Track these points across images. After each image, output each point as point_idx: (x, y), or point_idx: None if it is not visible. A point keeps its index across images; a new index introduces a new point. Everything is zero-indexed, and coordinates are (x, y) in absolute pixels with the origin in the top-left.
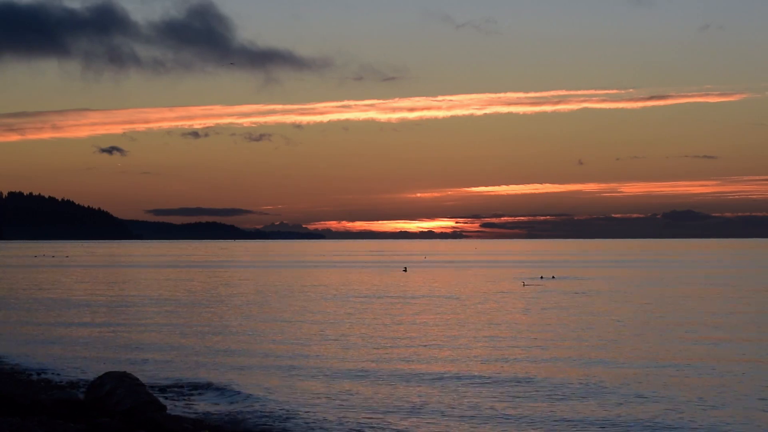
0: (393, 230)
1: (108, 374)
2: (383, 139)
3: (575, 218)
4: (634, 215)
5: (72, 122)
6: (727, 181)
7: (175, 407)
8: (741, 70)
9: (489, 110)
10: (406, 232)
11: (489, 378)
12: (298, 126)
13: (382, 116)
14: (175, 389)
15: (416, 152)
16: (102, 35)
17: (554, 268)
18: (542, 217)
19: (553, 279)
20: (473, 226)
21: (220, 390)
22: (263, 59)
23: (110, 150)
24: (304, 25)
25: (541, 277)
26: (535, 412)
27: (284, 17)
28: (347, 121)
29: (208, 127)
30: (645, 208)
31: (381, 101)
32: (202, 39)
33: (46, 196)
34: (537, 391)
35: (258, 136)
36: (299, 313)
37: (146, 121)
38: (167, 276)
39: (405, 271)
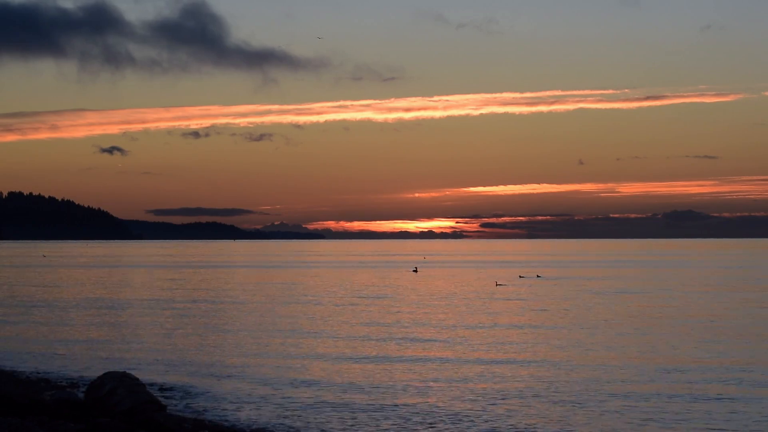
0: (392, 230)
1: (108, 374)
2: (381, 139)
3: (575, 218)
4: (634, 215)
5: (69, 122)
6: (726, 181)
7: (175, 407)
8: (735, 70)
9: (485, 110)
10: (405, 232)
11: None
12: (298, 126)
13: (379, 116)
14: (175, 389)
15: (414, 152)
16: (96, 35)
17: (550, 268)
18: (542, 217)
19: (539, 278)
20: (473, 226)
21: (220, 390)
22: (259, 59)
23: (111, 150)
24: (298, 25)
25: (521, 277)
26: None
27: (277, 16)
28: (344, 121)
29: (208, 127)
30: (645, 208)
31: (377, 101)
32: (196, 39)
33: (46, 196)
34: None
35: (258, 136)
36: (302, 313)
37: (143, 122)
38: (167, 276)
39: (415, 271)
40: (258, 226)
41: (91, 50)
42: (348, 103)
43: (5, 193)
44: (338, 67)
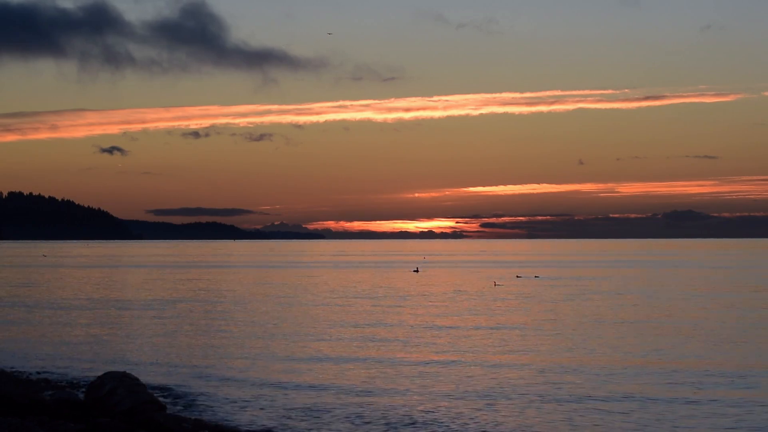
0: (392, 230)
1: (108, 374)
2: (381, 139)
3: (575, 218)
4: (634, 215)
5: (69, 122)
6: (726, 181)
7: (175, 407)
8: (735, 70)
9: (485, 110)
10: (405, 232)
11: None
12: (298, 126)
13: (378, 116)
14: (175, 389)
15: (414, 152)
16: (96, 35)
17: (549, 268)
18: (542, 217)
19: (537, 278)
20: (473, 226)
21: (221, 390)
22: (258, 59)
23: (111, 150)
24: (297, 25)
25: (518, 276)
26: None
27: (277, 16)
28: (344, 121)
29: (208, 127)
30: (645, 208)
31: (377, 101)
32: (196, 39)
33: (46, 196)
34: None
35: (258, 136)
36: (303, 314)
37: (143, 122)
38: (167, 276)
39: (416, 271)
40: (258, 226)
41: (90, 50)
42: (348, 103)
43: (5, 193)
44: (338, 67)
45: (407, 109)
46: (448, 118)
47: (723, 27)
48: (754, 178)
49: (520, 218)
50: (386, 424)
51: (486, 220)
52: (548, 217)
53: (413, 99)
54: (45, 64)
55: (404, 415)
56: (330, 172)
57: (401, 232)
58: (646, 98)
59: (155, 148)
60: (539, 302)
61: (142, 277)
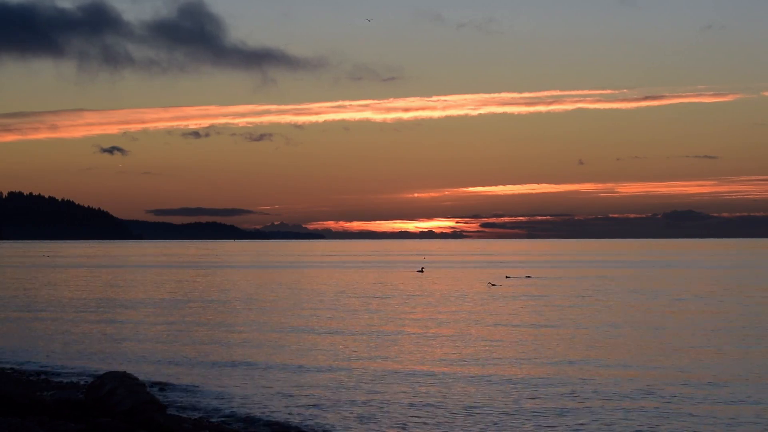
0: (392, 230)
1: (108, 374)
2: (381, 139)
3: (575, 218)
4: (634, 215)
5: (68, 122)
6: (726, 181)
7: (175, 407)
8: (735, 70)
9: (484, 110)
10: (405, 232)
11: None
12: (297, 126)
13: (378, 116)
14: (175, 389)
15: (414, 152)
16: (95, 35)
17: (544, 268)
18: (542, 217)
19: (528, 278)
20: (473, 226)
21: (221, 390)
22: (257, 59)
23: (111, 150)
24: (296, 25)
25: (507, 277)
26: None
27: (275, 16)
28: (343, 121)
29: (207, 127)
30: (645, 208)
31: (376, 101)
32: (194, 38)
33: (46, 196)
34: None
35: (258, 136)
36: (306, 314)
37: (142, 122)
38: (167, 276)
39: (421, 272)
40: (258, 226)
41: (89, 50)
42: (347, 103)
43: (5, 193)
44: (337, 67)
45: (406, 109)
46: (448, 118)
47: (723, 27)
48: (754, 178)
49: (520, 218)
50: (390, 424)
51: (486, 220)
52: (548, 217)
53: (412, 99)
54: (44, 64)
55: (409, 416)
56: (330, 172)
57: (401, 232)
58: (646, 98)
59: (155, 148)
60: (531, 303)
61: (142, 277)
